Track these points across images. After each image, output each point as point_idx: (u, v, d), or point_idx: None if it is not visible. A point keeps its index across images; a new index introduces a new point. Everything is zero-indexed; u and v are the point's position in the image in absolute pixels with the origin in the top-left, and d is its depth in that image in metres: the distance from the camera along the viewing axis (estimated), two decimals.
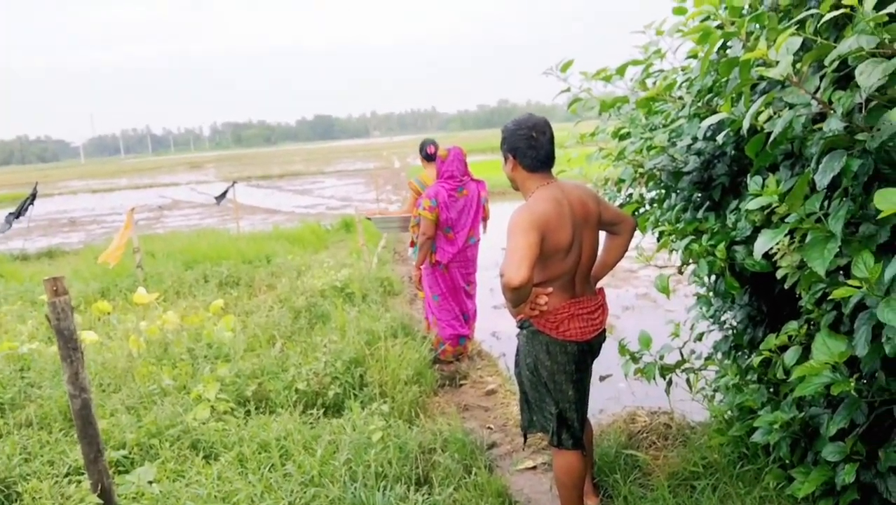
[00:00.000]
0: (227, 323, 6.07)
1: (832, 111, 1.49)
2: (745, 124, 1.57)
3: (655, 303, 7.58)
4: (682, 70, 3.22)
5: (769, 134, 1.77)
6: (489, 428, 4.27)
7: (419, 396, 4.50)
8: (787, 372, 1.99)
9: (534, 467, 3.68)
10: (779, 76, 1.36)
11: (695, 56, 2.95)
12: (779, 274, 1.91)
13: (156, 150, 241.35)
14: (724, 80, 2.43)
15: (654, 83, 3.30)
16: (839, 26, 1.88)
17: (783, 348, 2.11)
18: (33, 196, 14.59)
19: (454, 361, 5.39)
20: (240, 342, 5.54)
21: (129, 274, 8.90)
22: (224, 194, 14.80)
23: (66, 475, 3.60)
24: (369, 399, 4.36)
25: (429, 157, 5.66)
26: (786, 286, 1.92)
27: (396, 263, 10.20)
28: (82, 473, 3.37)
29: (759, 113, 1.83)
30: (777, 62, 1.43)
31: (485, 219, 5.41)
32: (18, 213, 14.22)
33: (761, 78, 1.74)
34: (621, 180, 3.52)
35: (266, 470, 3.38)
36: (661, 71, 3.28)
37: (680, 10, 3.03)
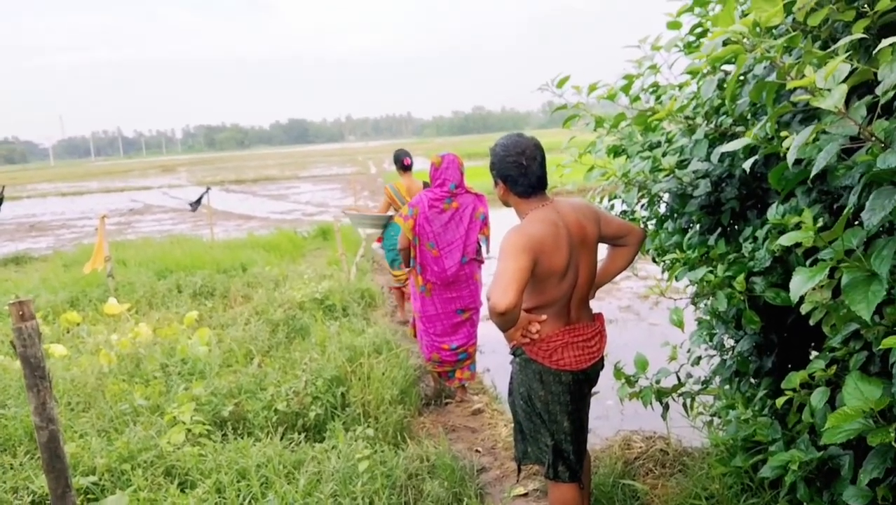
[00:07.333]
0: (201, 336, 5.88)
1: (879, 143, 1.37)
2: (791, 157, 1.46)
3: (638, 316, 7.51)
4: (679, 87, 3.14)
5: (799, 161, 1.67)
6: (477, 451, 4.13)
7: (404, 417, 4.35)
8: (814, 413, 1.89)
9: (525, 494, 3.55)
10: (832, 107, 1.25)
11: (693, 73, 2.86)
12: (803, 309, 1.80)
13: (127, 152, 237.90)
14: (733, 101, 2.34)
15: (649, 100, 3.22)
16: (868, 48, 1.78)
17: (803, 385, 2.01)
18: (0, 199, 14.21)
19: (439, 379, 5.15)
20: (215, 358, 5.36)
21: (99, 283, 8.62)
22: (199, 200, 14.54)
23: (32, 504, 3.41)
24: (352, 420, 4.20)
25: (404, 168, 6.17)
26: (811, 322, 1.81)
27: (376, 272, 10.03)
28: (48, 502, 3.17)
29: (783, 139, 1.72)
30: (823, 90, 1.32)
31: (486, 237, 4.84)
32: None
33: (793, 104, 1.63)
34: (614, 196, 3.43)
35: (246, 501, 3.21)
36: (657, 87, 3.20)
37: (675, 25, 2.95)
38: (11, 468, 3.72)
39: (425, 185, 6.24)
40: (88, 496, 3.44)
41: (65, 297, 8.21)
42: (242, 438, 3.92)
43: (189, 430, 3.95)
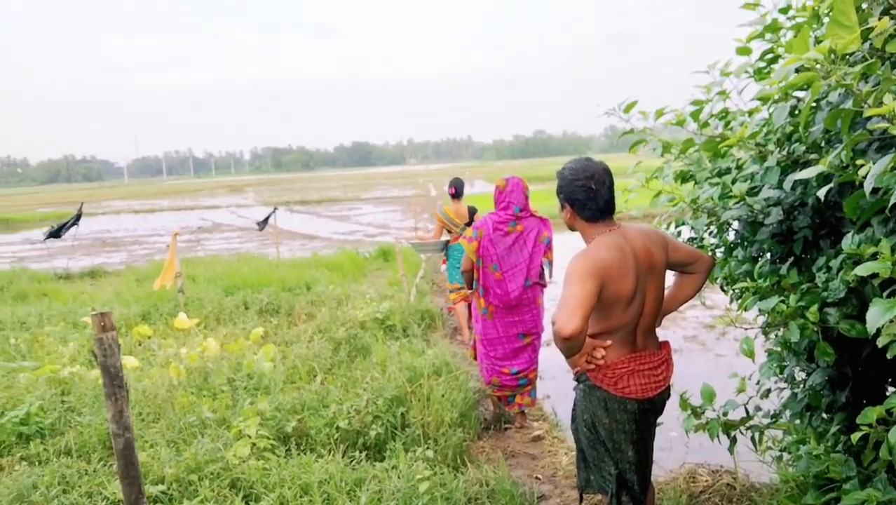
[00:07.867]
0: (267, 353, 6.02)
1: None
2: (868, 185, 1.44)
3: (704, 346, 7.34)
4: (749, 114, 3.10)
5: (876, 190, 1.63)
6: (537, 478, 4.09)
7: (463, 440, 4.35)
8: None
9: None
10: None
11: (764, 99, 2.82)
12: (880, 342, 1.75)
13: (197, 172, 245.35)
14: (807, 128, 2.31)
15: (718, 126, 3.18)
16: None
17: (879, 421, 1.94)
18: (78, 216, 14.87)
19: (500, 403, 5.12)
20: (279, 374, 5.47)
21: (170, 298, 8.93)
22: (266, 220, 14.91)
23: None
24: (412, 441, 4.22)
25: (451, 196, 7.10)
26: (888, 356, 1.75)
27: (435, 294, 10.09)
28: None
29: (858, 167, 1.69)
30: None
31: (549, 261, 4.81)
32: (55, 234, 14.46)
33: (869, 131, 1.61)
34: (682, 222, 3.39)
35: None
36: (726, 113, 3.16)
37: (744, 51, 2.92)
38: (86, 474, 3.87)
39: (470, 208, 7.08)
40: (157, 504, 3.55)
41: (137, 310, 8.52)
42: (305, 453, 3.99)
43: (254, 444, 4.04)
